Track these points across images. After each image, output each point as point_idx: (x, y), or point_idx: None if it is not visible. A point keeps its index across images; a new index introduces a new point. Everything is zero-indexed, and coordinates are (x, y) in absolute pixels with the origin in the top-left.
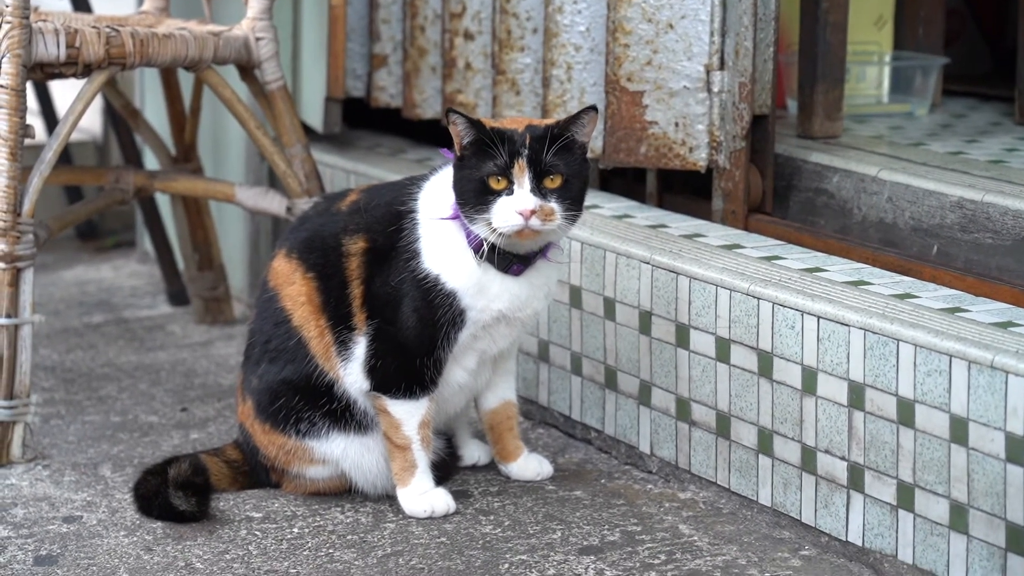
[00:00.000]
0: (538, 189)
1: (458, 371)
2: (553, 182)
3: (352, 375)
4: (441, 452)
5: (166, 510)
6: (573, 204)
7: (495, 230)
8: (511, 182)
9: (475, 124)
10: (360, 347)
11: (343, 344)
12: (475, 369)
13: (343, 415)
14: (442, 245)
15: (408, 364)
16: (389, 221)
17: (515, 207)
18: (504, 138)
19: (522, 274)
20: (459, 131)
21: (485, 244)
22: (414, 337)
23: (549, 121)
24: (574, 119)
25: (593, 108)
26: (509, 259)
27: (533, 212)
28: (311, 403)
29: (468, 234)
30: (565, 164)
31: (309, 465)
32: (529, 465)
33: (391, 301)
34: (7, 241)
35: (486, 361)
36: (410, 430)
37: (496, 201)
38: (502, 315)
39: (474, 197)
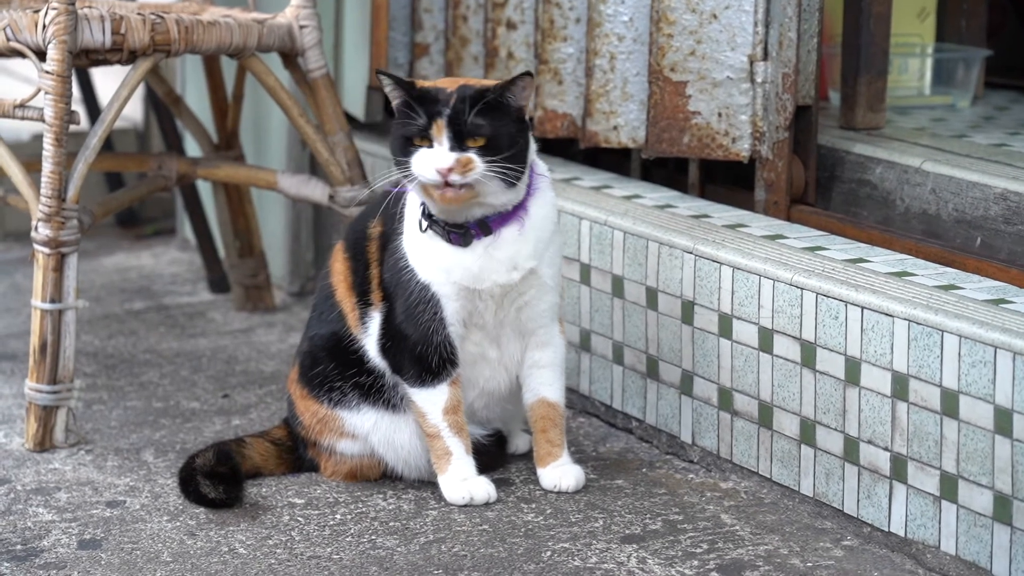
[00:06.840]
0: (460, 147)
1: (469, 346)
2: (476, 142)
3: (373, 350)
4: (486, 441)
5: (198, 497)
6: (500, 161)
7: (416, 179)
8: (431, 141)
9: (403, 85)
10: (374, 323)
11: (365, 322)
12: (487, 348)
13: (371, 390)
14: (411, 222)
15: (411, 351)
16: (392, 203)
17: (432, 163)
18: (427, 98)
19: (470, 246)
20: (389, 93)
21: (424, 208)
22: (409, 325)
23: (488, 82)
24: (508, 84)
25: (528, 74)
26: (448, 229)
27: (450, 169)
28: (342, 372)
29: (422, 203)
30: (491, 125)
31: (340, 438)
32: (550, 475)
33: (390, 287)
34: (52, 227)
35: (496, 339)
36: (435, 418)
37: (416, 152)
38: (463, 288)
39: (400, 154)
